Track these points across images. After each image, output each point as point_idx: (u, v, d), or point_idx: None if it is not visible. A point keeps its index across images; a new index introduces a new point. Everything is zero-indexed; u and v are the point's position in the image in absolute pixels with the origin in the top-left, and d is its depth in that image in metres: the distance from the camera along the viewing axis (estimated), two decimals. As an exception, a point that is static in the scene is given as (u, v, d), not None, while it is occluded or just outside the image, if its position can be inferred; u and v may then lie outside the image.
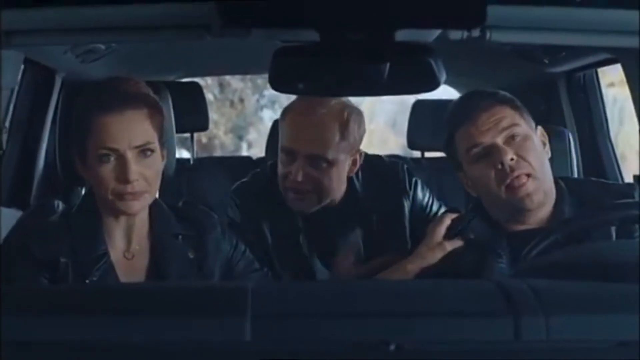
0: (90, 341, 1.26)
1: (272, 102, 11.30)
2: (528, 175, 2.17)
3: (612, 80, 4.03)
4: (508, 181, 2.17)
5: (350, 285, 1.57)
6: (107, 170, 1.96)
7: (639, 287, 1.37)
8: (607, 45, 2.01)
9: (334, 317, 1.32)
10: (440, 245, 2.29)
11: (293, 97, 2.50)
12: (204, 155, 6.74)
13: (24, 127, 3.06)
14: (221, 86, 11.43)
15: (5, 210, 2.62)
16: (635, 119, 2.10)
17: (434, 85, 1.64)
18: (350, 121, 2.40)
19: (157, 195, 2.08)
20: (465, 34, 1.56)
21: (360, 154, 2.51)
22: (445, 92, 3.82)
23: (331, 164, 2.41)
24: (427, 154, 3.46)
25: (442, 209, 2.60)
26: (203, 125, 3.56)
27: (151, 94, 2.05)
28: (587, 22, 1.59)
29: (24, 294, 1.48)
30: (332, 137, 2.39)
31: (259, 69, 4.31)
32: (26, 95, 3.04)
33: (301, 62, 1.60)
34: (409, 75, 1.60)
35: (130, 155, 1.96)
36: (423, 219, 2.53)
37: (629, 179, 3.16)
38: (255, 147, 11.09)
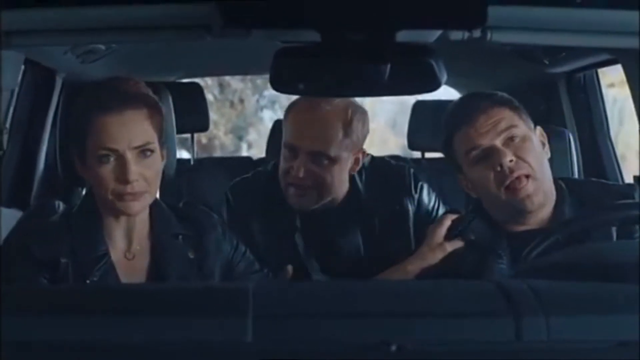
0: (90, 341, 1.26)
1: (272, 103, 11.31)
2: (527, 177, 2.17)
3: (612, 81, 4.03)
4: (508, 183, 2.17)
5: (351, 286, 1.56)
6: (107, 170, 1.96)
7: (639, 287, 1.37)
8: (607, 45, 2.01)
9: (336, 317, 1.32)
10: (440, 246, 2.29)
11: (293, 98, 2.50)
12: (204, 155, 6.73)
13: (24, 127, 3.06)
14: (221, 87, 11.43)
15: (5, 210, 2.62)
16: (636, 119, 2.10)
17: (434, 86, 1.64)
18: (353, 119, 2.40)
19: (157, 196, 2.08)
20: (466, 34, 1.56)
21: (363, 153, 2.50)
22: (446, 93, 3.82)
23: (333, 161, 2.40)
24: (428, 155, 3.46)
25: (447, 213, 2.59)
26: (203, 126, 3.56)
27: (151, 94, 2.05)
28: (588, 22, 1.59)
29: (24, 294, 1.48)
30: (335, 134, 2.38)
31: (259, 70, 4.31)
32: (26, 96, 3.04)
33: (302, 62, 1.59)
34: (409, 75, 1.60)
35: (130, 155, 1.95)
36: (428, 224, 2.48)
37: (629, 179, 3.16)
38: (255, 147, 11.07)
